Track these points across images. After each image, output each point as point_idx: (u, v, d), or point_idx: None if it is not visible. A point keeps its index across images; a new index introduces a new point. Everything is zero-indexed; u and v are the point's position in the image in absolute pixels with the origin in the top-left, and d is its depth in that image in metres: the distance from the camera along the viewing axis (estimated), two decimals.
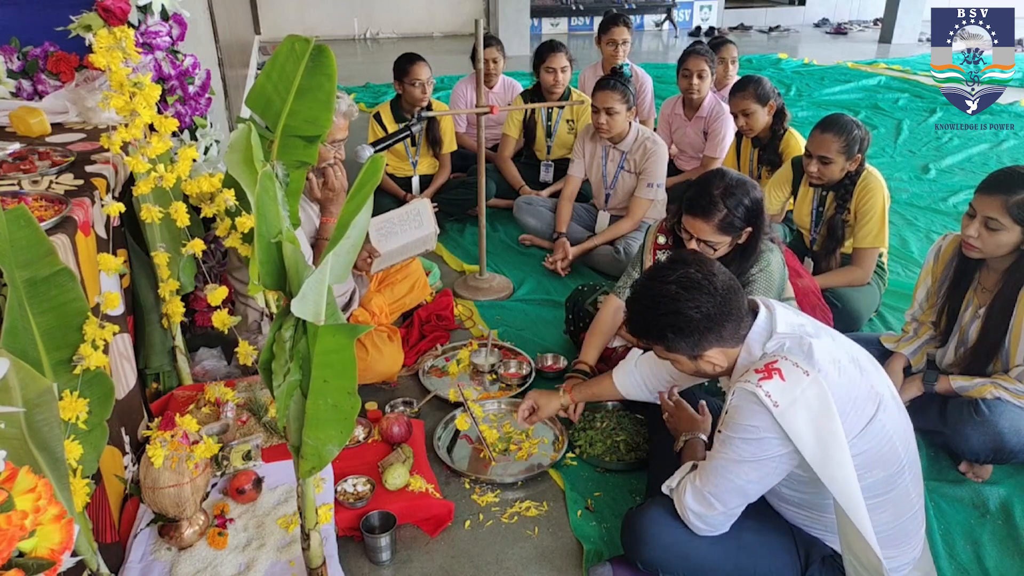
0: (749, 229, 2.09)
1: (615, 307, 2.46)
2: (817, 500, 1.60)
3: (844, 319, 2.68)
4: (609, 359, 2.52)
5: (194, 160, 1.99)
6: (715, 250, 2.09)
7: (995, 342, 2.07)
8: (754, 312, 1.59)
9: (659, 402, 2.04)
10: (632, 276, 2.44)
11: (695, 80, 3.90)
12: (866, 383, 1.51)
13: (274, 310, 2.16)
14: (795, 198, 2.98)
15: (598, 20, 10.60)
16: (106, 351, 1.51)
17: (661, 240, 2.38)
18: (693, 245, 2.11)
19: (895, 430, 1.53)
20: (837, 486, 1.44)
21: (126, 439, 1.93)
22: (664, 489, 1.70)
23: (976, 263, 2.11)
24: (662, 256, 2.37)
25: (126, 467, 1.88)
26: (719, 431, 1.58)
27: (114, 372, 1.86)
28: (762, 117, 3.30)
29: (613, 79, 3.34)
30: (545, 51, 3.95)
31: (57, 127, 2.28)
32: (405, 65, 3.78)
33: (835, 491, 1.44)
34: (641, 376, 2.06)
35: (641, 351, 2.12)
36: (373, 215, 2.89)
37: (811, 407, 1.43)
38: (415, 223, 3.02)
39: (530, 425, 2.27)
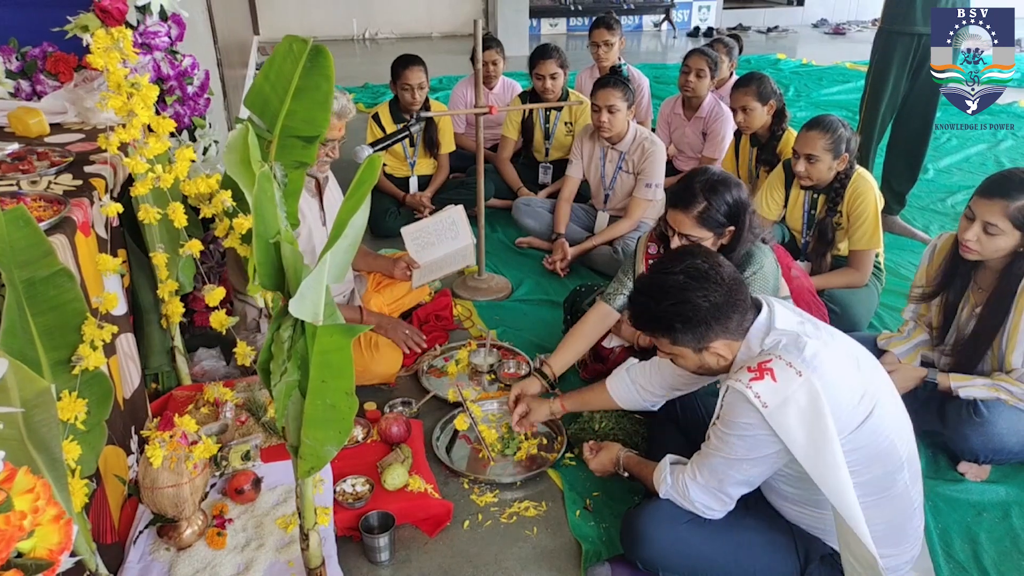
0: (732, 228, 2.09)
1: (602, 313, 2.39)
2: (816, 497, 1.60)
3: (843, 326, 2.67)
4: (607, 359, 2.52)
5: (192, 161, 1.99)
6: None
7: (988, 339, 2.07)
8: (757, 308, 1.61)
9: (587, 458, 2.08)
10: (624, 283, 2.39)
11: (692, 77, 3.91)
12: (863, 381, 1.52)
13: (272, 311, 2.16)
14: (787, 201, 2.99)
15: None
16: (109, 351, 1.51)
17: (652, 249, 2.37)
18: (676, 242, 2.11)
19: (893, 428, 1.53)
20: (829, 485, 1.45)
21: (135, 438, 1.93)
22: (663, 495, 1.71)
23: (972, 262, 2.11)
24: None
25: (130, 467, 1.88)
26: (714, 424, 1.60)
27: (121, 371, 1.87)
28: (761, 115, 3.31)
29: (613, 77, 3.34)
30: (535, 57, 3.95)
31: (56, 127, 2.28)
32: (397, 68, 3.78)
33: (827, 490, 1.45)
34: (635, 384, 2.06)
35: (636, 358, 2.12)
36: (406, 225, 2.92)
37: (802, 407, 1.44)
38: (451, 233, 3.01)
39: (522, 429, 2.26)
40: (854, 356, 1.56)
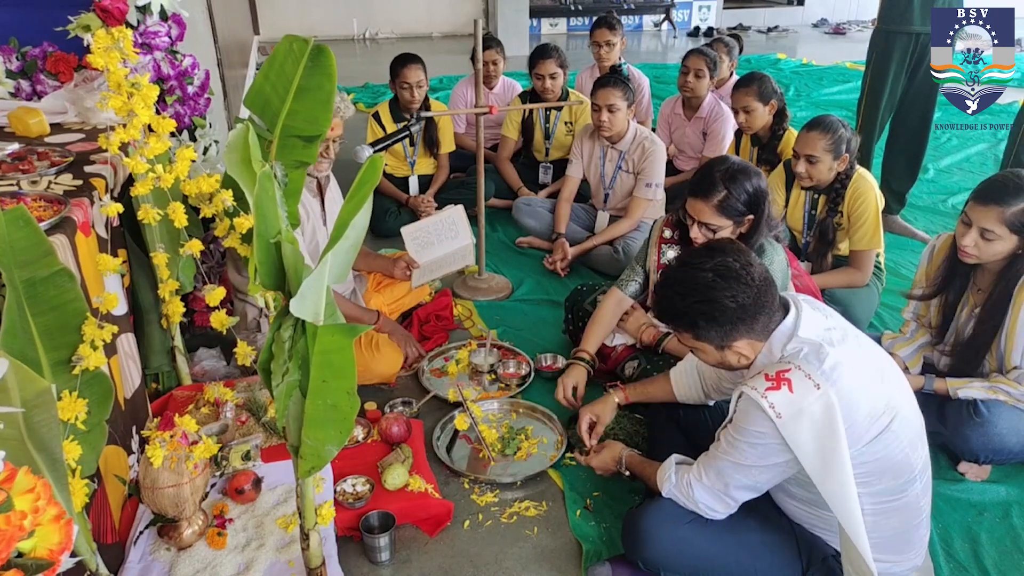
0: (751, 217, 2.09)
1: (617, 299, 2.45)
2: (823, 499, 1.60)
3: None
4: (608, 358, 2.52)
5: (193, 160, 1.99)
6: (715, 235, 2.09)
7: (987, 340, 2.07)
8: (785, 308, 1.57)
9: (588, 458, 2.06)
10: (636, 271, 2.44)
11: (691, 78, 3.91)
12: (885, 394, 1.49)
13: (272, 311, 2.16)
14: (788, 202, 2.99)
15: None
16: (109, 351, 1.51)
17: (667, 234, 2.38)
18: (696, 230, 2.11)
19: (909, 442, 1.52)
20: (835, 500, 1.44)
21: (135, 438, 1.93)
22: (666, 495, 1.70)
23: (971, 264, 2.11)
24: (668, 250, 2.37)
25: (131, 467, 1.88)
26: (725, 428, 1.59)
27: (121, 371, 1.87)
28: (762, 115, 3.31)
29: (613, 77, 3.34)
30: (535, 57, 3.96)
31: (56, 127, 2.28)
32: (396, 67, 3.79)
33: (832, 504, 1.45)
34: (700, 377, 2.01)
35: (639, 357, 2.12)
36: (406, 225, 2.92)
37: (816, 420, 1.42)
38: (451, 233, 3.02)
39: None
40: (879, 368, 1.53)
